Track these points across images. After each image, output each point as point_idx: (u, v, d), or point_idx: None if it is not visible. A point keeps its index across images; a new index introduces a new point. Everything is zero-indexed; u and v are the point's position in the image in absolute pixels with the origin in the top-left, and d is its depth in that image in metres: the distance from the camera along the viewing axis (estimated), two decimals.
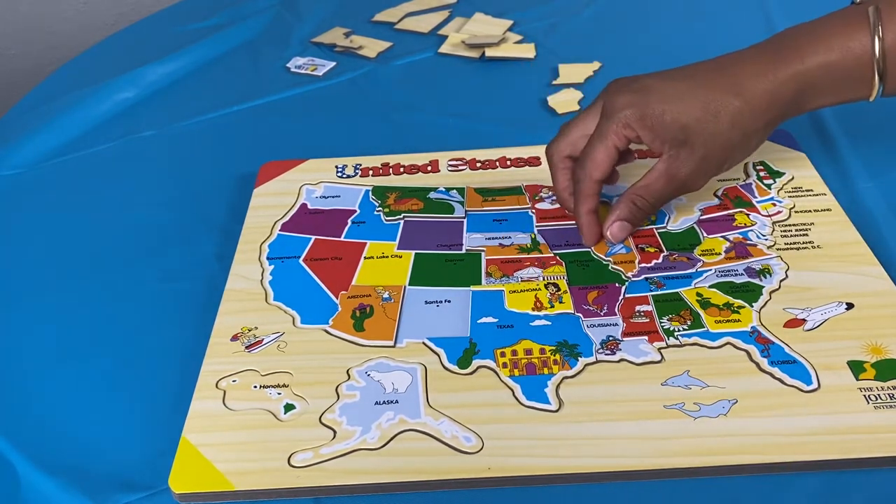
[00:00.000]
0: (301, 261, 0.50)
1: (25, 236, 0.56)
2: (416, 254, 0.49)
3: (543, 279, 0.47)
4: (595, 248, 0.49)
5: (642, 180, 0.47)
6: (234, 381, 0.42)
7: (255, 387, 0.41)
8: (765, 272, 0.46)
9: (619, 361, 0.41)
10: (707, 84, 0.45)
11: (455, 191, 0.55)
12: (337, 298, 0.47)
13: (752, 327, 0.42)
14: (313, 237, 0.51)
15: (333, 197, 0.55)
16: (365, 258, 0.49)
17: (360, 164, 0.58)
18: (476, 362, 0.42)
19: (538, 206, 0.53)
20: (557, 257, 0.48)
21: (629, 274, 0.46)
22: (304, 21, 0.83)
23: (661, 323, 0.43)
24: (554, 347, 0.42)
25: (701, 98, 0.45)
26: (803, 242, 0.48)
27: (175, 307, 0.48)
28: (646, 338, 0.42)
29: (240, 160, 0.61)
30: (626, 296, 0.45)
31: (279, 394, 0.41)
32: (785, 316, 0.43)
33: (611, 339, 0.42)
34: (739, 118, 0.45)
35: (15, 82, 1.29)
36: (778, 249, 0.47)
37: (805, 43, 0.46)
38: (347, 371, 0.42)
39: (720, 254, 0.47)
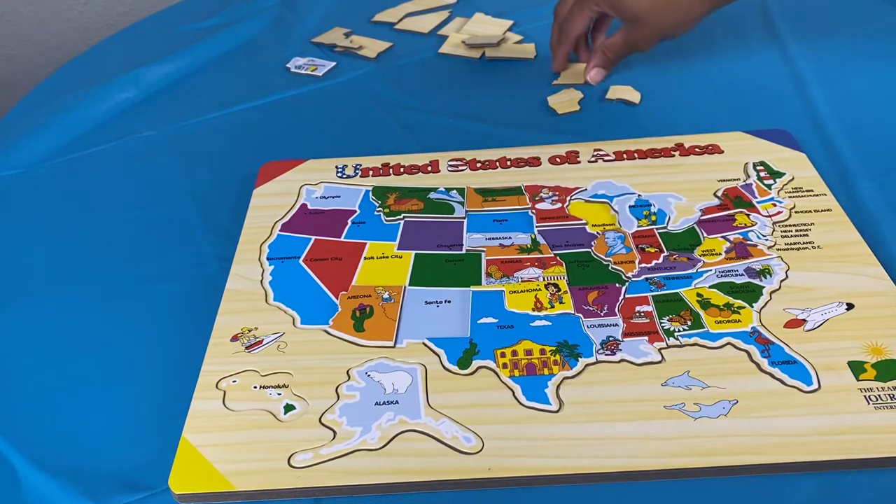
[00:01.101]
0: (301, 261, 0.50)
1: (25, 236, 0.56)
2: (416, 254, 0.49)
3: (544, 279, 0.47)
4: (595, 248, 0.49)
5: (609, 39, 0.66)
6: (234, 381, 0.42)
7: (255, 387, 0.41)
8: (765, 272, 0.46)
9: (619, 362, 0.41)
10: None
11: (455, 191, 0.55)
12: (337, 299, 0.47)
13: (752, 328, 0.42)
14: (313, 237, 0.51)
15: (333, 197, 0.55)
16: (365, 258, 0.49)
17: (360, 165, 0.58)
18: (476, 363, 0.42)
19: (538, 206, 0.53)
20: (557, 257, 0.48)
21: (629, 274, 0.46)
22: (304, 21, 0.83)
23: (661, 323, 0.43)
24: (554, 348, 0.42)
25: None
26: (803, 243, 0.48)
27: (175, 307, 0.48)
28: (646, 338, 0.42)
29: (240, 160, 0.61)
30: (627, 296, 0.45)
31: (279, 394, 0.41)
32: (785, 316, 0.43)
33: (611, 339, 0.42)
34: (680, 7, 0.61)
35: (15, 82, 1.29)
36: (778, 250, 0.47)
37: None
38: (347, 371, 0.42)
39: (720, 254, 0.47)
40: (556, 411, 0.39)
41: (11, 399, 0.44)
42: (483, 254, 0.49)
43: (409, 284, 0.47)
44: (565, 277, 0.47)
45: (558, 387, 0.40)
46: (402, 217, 0.53)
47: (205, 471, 0.37)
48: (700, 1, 0.61)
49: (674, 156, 0.56)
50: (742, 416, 0.38)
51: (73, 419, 0.42)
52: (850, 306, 0.43)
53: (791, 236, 0.48)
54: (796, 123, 0.60)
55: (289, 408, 0.40)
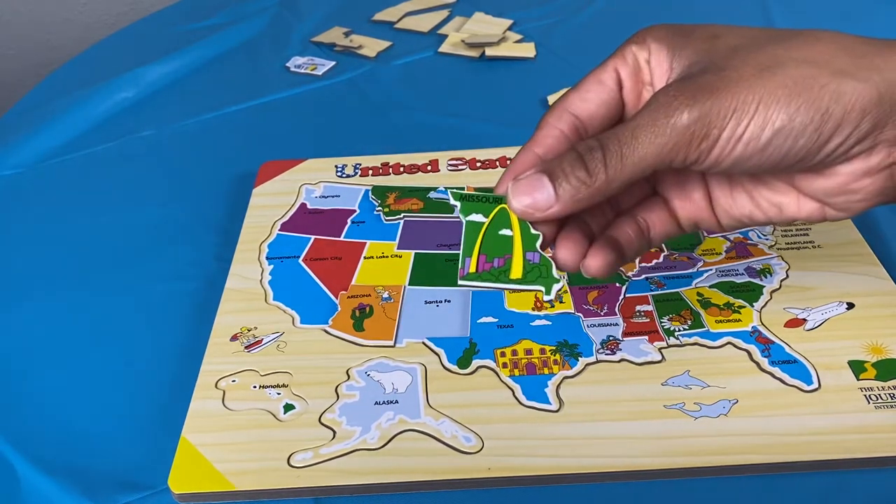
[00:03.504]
0: (300, 260, 0.50)
1: (25, 236, 0.56)
2: (415, 254, 0.49)
3: None
4: None
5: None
6: (233, 381, 0.42)
7: (255, 387, 0.41)
8: (765, 272, 0.46)
9: (619, 361, 0.41)
10: (800, 31, 0.29)
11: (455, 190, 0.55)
12: (336, 298, 0.46)
13: (752, 327, 0.42)
14: (313, 237, 0.51)
15: (333, 197, 0.55)
16: (365, 258, 0.49)
17: (360, 164, 0.58)
18: (476, 362, 0.42)
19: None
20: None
21: (629, 273, 0.46)
22: (304, 21, 0.83)
23: (661, 323, 0.43)
24: (554, 347, 0.42)
25: (772, 33, 0.29)
26: (804, 242, 0.48)
27: (175, 307, 0.48)
28: (646, 337, 0.42)
29: (239, 160, 0.61)
30: (627, 295, 0.45)
31: (279, 394, 0.41)
32: (785, 316, 0.43)
33: (611, 338, 0.42)
34: (826, 60, 0.27)
35: (15, 82, 1.29)
36: (778, 249, 0.47)
37: None
38: (347, 371, 0.42)
39: (721, 253, 0.47)
40: (556, 411, 0.39)
41: (11, 399, 0.43)
42: None
43: (409, 284, 0.47)
44: (565, 277, 0.47)
45: (558, 386, 0.40)
46: (401, 217, 0.53)
47: (204, 470, 0.37)
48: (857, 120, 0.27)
49: None
50: (742, 415, 0.38)
51: (73, 419, 0.42)
52: (850, 306, 0.43)
53: (791, 236, 0.48)
54: None
55: (288, 407, 0.40)
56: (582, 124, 0.31)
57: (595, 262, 0.32)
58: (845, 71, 0.26)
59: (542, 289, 0.31)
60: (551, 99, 0.66)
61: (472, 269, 0.30)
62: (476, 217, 0.31)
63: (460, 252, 0.30)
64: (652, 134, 0.27)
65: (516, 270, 0.31)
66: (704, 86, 0.27)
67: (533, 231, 0.31)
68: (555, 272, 0.31)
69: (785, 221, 0.32)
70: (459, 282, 0.31)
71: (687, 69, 0.29)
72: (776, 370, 0.40)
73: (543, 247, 0.31)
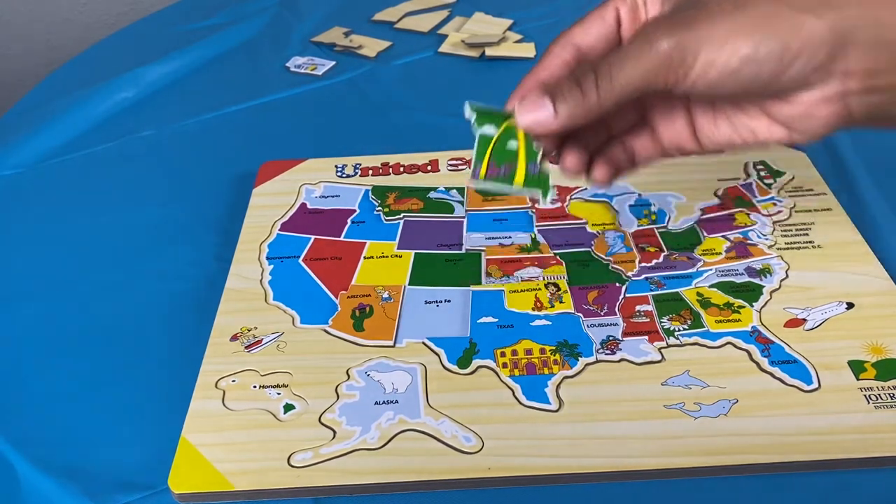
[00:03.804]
0: (301, 260, 0.50)
1: (25, 236, 0.56)
2: (415, 254, 0.49)
3: (544, 279, 0.47)
4: (595, 247, 0.49)
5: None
6: (233, 380, 0.42)
7: (255, 387, 0.41)
8: (765, 272, 0.46)
9: (619, 361, 0.41)
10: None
11: (455, 190, 0.55)
12: (336, 298, 0.46)
13: (752, 327, 0.42)
14: (313, 237, 0.51)
15: (333, 197, 0.55)
16: (365, 258, 0.49)
17: (360, 164, 0.58)
18: (476, 362, 0.42)
19: (538, 205, 0.53)
20: (557, 257, 0.48)
21: (629, 273, 0.46)
22: (304, 21, 0.83)
23: (661, 323, 0.43)
24: (554, 347, 0.42)
25: None
26: (803, 242, 0.48)
27: (175, 307, 0.48)
28: (646, 337, 0.42)
29: (239, 160, 0.61)
30: (627, 295, 0.45)
31: (279, 394, 0.41)
32: (785, 315, 0.43)
33: (611, 338, 0.42)
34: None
35: (15, 82, 1.29)
36: (778, 249, 0.47)
37: None
38: (347, 371, 0.42)
39: (721, 253, 0.47)
40: (556, 411, 0.39)
41: (11, 399, 0.43)
42: (483, 253, 0.49)
43: (409, 284, 0.47)
44: (565, 277, 0.47)
45: (558, 386, 0.40)
46: (401, 216, 0.53)
47: (204, 470, 0.37)
48: (834, 15, 0.29)
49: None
50: (742, 415, 0.38)
51: (73, 419, 0.42)
52: (850, 306, 0.43)
53: (791, 236, 0.48)
54: None
55: (288, 407, 0.40)
56: (583, 54, 0.35)
57: (600, 173, 0.37)
58: (806, 7, 0.29)
59: (540, 192, 0.36)
60: None
61: (482, 174, 0.35)
62: (488, 129, 0.36)
63: (472, 159, 0.35)
64: (637, 59, 0.31)
65: (519, 177, 0.35)
66: (685, 18, 0.31)
67: (535, 146, 0.36)
68: (551, 182, 0.36)
69: (758, 145, 0.35)
70: (469, 183, 0.35)
71: (676, 5, 0.32)
72: (776, 370, 0.40)
73: (545, 157, 0.36)
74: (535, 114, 0.33)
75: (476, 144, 0.35)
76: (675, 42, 0.30)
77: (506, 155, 0.35)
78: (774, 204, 0.51)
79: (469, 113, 0.36)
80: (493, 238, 0.50)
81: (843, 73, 0.30)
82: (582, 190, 0.53)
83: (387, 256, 0.49)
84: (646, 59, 0.31)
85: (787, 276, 0.45)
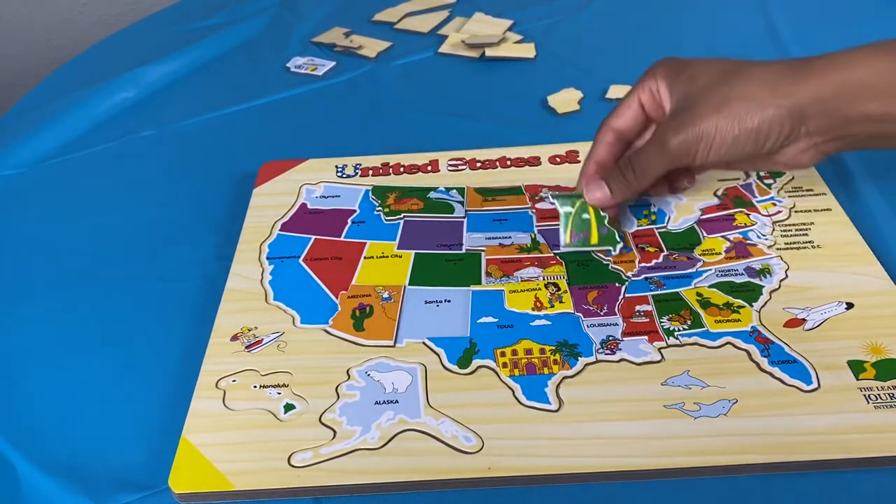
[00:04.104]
0: (301, 261, 0.50)
1: (25, 236, 0.56)
2: (416, 254, 0.49)
3: (543, 279, 0.47)
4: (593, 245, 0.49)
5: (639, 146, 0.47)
6: (233, 380, 0.42)
7: (255, 387, 0.41)
8: (765, 272, 0.46)
9: (619, 361, 0.41)
10: (746, 66, 0.43)
11: (455, 191, 0.55)
12: (337, 298, 0.47)
13: (752, 327, 0.42)
14: (313, 237, 0.51)
15: (333, 197, 0.55)
16: (365, 258, 0.49)
17: (360, 164, 0.58)
18: (476, 362, 0.42)
19: (538, 205, 0.53)
20: (557, 257, 0.48)
21: (629, 273, 0.46)
22: (304, 21, 0.83)
23: (661, 323, 0.43)
24: (554, 347, 0.42)
25: (728, 63, 0.44)
26: (803, 242, 0.48)
27: (175, 307, 0.48)
28: (646, 337, 0.42)
29: (240, 160, 0.61)
30: (626, 295, 0.45)
31: (279, 394, 0.41)
32: (785, 315, 0.43)
33: (611, 338, 0.42)
34: (747, 82, 0.42)
35: (15, 82, 1.29)
36: (778, 249, 0.47)
37: (863, 48, 0.41)
38: (347, 371, 0.42)
39: (720, 253, 0.47)
40: (556, 411, 0.39)
41: (11, 399, 0.44)
42: (483, 253, 0.49)
43: (409, 284, 0.47)
44: (565, 277, 0.47)
45: (558, 386, 0.40)
46: (401, 217, 0.53)
47: (204, 470, 0.37)
48: (790, 88, 0.41)
49: None
50: (742, 415, 0.38)
51: (73, 419, 0.42)
52: (849, 306, 0.43)
53: (791, 236, 0.48)
54: None
55: (289, 407, 0.40)
56: (621, 134, 0.48)
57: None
58: (766, 102, 0.41)
59: (611, 248, 0.47)
60: (551, 99, 0.66)
61: (567, 241, 0.47)
62: (566, 208, 0.47)
63: (560, 230, 0.47)
64: (658, 157, 0.45)
65: (594, 238, 0.47)
66: (684, 121, 0.43)
67: (601, 213, 0.48)
68: (617, 237, 0.47)
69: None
70: (562, 248, 0.47)
71: (677, 104, 0.44)
72: (776, 370, 0.40)
73: (610, 222, 0.48)
74: (597, 194, 0.47)
75: (561, 219, 0.47)
76: (680, 140, 0.43)
77: (582, 224, 0.47)
78: (774, 204, 0.51)
79: (552, 199, 0.48)
80: (494, 238, 0.50)
81: (806, 135, 0.42)
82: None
83: (387, 256, 0.49)
84: (664, 156, 0.44)
85: (786, 276, 0.45)
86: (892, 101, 0.40)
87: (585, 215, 0.47)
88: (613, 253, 0.47)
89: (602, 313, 0.44)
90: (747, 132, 0.42)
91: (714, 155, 0.43)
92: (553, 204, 0.48)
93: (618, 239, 0.47)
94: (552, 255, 0.48)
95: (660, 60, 0.47)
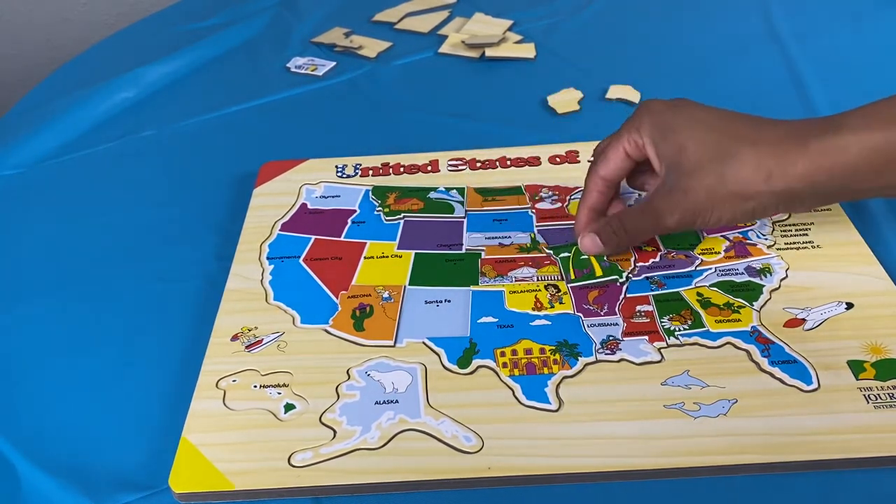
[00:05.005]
0: (301, 261, 0.50)
1: (25, 236, 0.56)
2: (416, 254, 0.49)
3: (538, 279, 0.47)
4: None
5: (629, 207, 0.48)
6: (234, 380, 0.42)
7: (255, 386, 0.41)
8: (765, 271, 0.46)
9: (619, 361, 0.41)
10: (735, 121, 0.43)
11: (455, 191, 0.55)
12: (337, 298, 0.47)
13: (752, 327, 0.42)
14: (313, 237, 0.51)
15: (333, 197, 0.55)
16: (365, 258, 0.49)
17: (360, 164, 0.58)
18: (476, 362, 0.42)
19: (538, 205, 0.53)
20: (552, 257, 0.48)
21: (626, 272, 0.46)
22: (304, 21, 0.83)
23: (661, 323, 0.43)
24: (554, 347, 0.42)
25: (717, 131, 0.43)
26: (803, 242, 0.48)
27: (175, 307, 0.48)
28: (646, 337, 0.42)
29: (240, 160, 0.61)
30: (627, 295, 0.45)
31: (279, 393, 0.41)
32: (785, 315, 0.43)
33: (611, 338, 0.42)
34: (742, 167, 0.41)
35: (15, 82, 1.29)
36: (778, 249, 0.47)
37: (856, 117, 0.41)
38: (347, 371, 0.42)
39: (719, 252, 0.47)
40: (556, 410, 0.39)
41: (11, 398, 0.44)
42: (483, 253, 0.49)
43: (409, 284, 0.47)
44: (560, 276, 0.47)
45: (558, 386, 0.40)
46: (401, 217, 0.53)
47: (205, 470, 0.37)
48: (779, 166, 0.41)
49: None
50: (742, 415, 0.38)
51: (73, 418, 0.42)
52: (849, 306, 0.43)
53: (791, 235, 0.48)
54: None
55: (289, 407, 0.40)
56: (610, 182, 0.48)
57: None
58: (760, 190, 0.42)
59: (617, 276, 0.47)
60: (551, 99, 0.66)
61: (573, 278, 0.47)
62: (563, 254, 0.48)
63: (562, 270, 0.47)
64: (652, 225, 0.45)
65: (598, 272, 0.47)
66: (679, 201, 0.43)
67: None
68: (619, 267, 0.47)
69: None
70: (570, 286, 0.46)
71: (667, 173, 0.44)
72: (776, 370, 0.40)
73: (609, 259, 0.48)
74: (590, 247, 0.47)
75: (561, 264, 0.48)
76: (677, 219, 0.44)
77: (582, 263, 0.48)
78: None
79: (548, 250, 0.49)
80: (493, 238, 0.50)
81: (799, 206, 0.44)
82: (582, 190, 0.53)
83: (387, 256, 0.49)
84: (658, 228, 0.45)
85: (786, 275, 0.45)
86: (884, 178, 0.41)
87: (584, 256, 0.48)
88: (622, 280, 0.46)
89: (602, 313, 0.44)
90: (742, 213, 0.43)
91: (710, 227, 0.47)
92: (549, 252, 0.49)
93: (621, 269, 0.47)
94: (546, 255, 0.48)
95: (642, 109, 0.46)
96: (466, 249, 0.49)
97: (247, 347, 0.44)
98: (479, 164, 0.57)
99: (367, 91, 0.71)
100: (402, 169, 0.57)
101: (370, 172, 0.57)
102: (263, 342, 0.44)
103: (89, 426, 0.41)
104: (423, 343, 0.43)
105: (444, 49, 0.76)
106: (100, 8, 1.27)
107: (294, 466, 0.37)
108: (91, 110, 0.69)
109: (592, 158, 0.49)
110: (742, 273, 0.46)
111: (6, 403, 0.43)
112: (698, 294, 0.45)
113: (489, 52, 0.74)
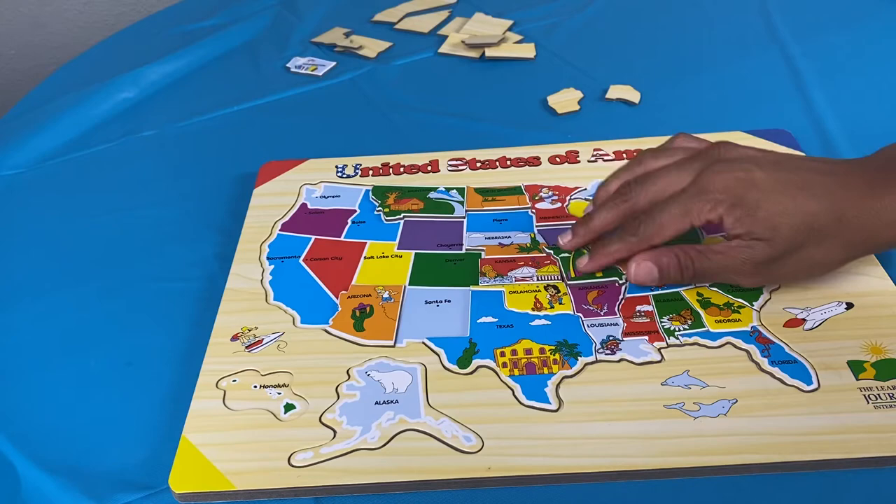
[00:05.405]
0: (301, 261, 0.50)
1: (25, 236, 0.56)
2: (416, 254, 0.49)
3: (538, 279, 0.47)
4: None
5: (703, 245, 0.44)
6: (234, 380, 0.42)
7: (255, 386, 0.41)
8: None
9: (619, 361, 0.41)
10: (815, 188, 0.41)
11: (455, 191, 0.55)
12: (337, 298, 0.47)
13: (752, 327, 0.42)
14: (313, 237, 0.51)
15: (333, 197, 0.55)
16: (365, 258, 0.49)
17: (360, 164, 0.58)
18: (476, 362, 0.42)
19: (538, 205, 0.53)
20: (552, 257, 0.48)
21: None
22: (304, 21, 0.83)
23: (661, 323, 0.43)
24: (554, 347, 0.42)
25: (802, 206, 0.41)
26: None
27: (175, 307, 0.48)
28: (646, 337, 0.42)
29: (240, 160, 0.61)
30: (627, 295, 0.45)
31: (279, 393, 0.41)
32: (785, 315, 0.43)
33: (611, 338, 0.42)
34: (830, 247, 0.41)
35: (15, 82, 1.29)
36: None
37: None
38: (347, 371, 0.42)
39: None
40: (556, 410, 0.39)
41: (11, 398, 0.44)
42: (483, 253, 0.49)
43: (409, 284, 0.47)
44: (560, 276, 0.47)
45: (558, 386, 0.40)
46: (402, 217, 0.53)
47: (205, 470, 0.37)
48: (865, 241, 0.42)
49: None
50: (742, 415, 0.38)
51: (73, 418, 0.42)
52: (849, 306, 0.43)
53: None
54: (796, 123, 0.60)
55: (289, 407, 0.40)
56: None
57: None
58: (839, 261, 0.43)
59: (616, 276, 0.46)
60: (551, 99, 0.66)
61: (573, 275, 0.47)
62: (564, 254, 0.48)
63: (561, 270, 0.47)
64: (723, 280, 0.44)
65: (599, 272, 0.47)
66: (763, 274, 0.43)
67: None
68: (620, 269, 0.47)
69: None
70: (568, 284, 0.46)
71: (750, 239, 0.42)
72: (776, 370, 0.40)
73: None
74: (644, 278, 0.45)
75: (560, 263, 0.48)
76: (753, 282, 0.44)
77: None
78: None
79: (548, 250, 0.49)
80: (493, 238, 0.50)
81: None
82: (582, 190, 0.54)
83: (387, 256, 0.49)
84: (728, 282, 0.45)
85: None
86: None
87: (584, 250, 0.48)
88: (622, 281, 0.46)
89: (602, 313, 0.44)
90: (815, 279, 0.45)
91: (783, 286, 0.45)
92: (550, 252, 0.49)
93: (622, 270, 0.46)
94: (546, 255, 0.48)
95: (713, 178, 0.42)
96: (466, 249, 0.49)
97: (247, 347, 0.44)
98: (479, 164, 0.57)
99: (367, 91, 0.71)
100: (402, 169, 0.57)
101: (370, 172, 0.57)
102: (263, 342, 0.44)
103: (89, 426, 0.41)
104: (423, 343, 0.43)
105: (444, 49, 0.76)
106: (100, 8, 1.27)
107: (294, 466, 0.37)
108: (91, 110, 0.69)
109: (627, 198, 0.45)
110: None
111: (6, 403, 0.43)
112: (698, 294, 0.45)
113: (489, 52, 0.74)
